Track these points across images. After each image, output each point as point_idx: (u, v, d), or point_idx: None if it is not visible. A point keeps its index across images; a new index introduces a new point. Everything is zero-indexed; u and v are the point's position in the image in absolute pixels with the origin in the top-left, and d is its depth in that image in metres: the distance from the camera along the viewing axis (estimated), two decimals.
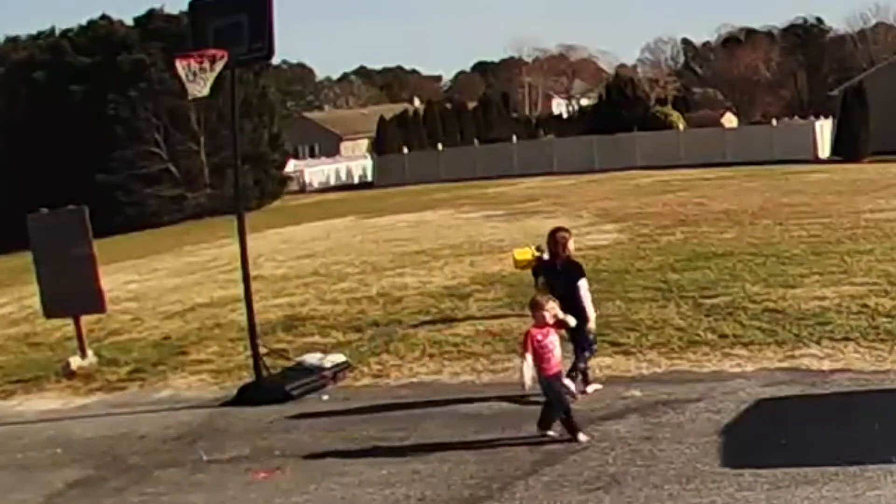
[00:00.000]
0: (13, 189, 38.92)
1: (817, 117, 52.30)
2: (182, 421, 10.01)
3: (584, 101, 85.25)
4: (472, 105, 68.64)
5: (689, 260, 15.19)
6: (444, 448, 8.15)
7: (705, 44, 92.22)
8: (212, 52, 10.29)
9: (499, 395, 9.36)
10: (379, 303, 14.56)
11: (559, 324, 8.19)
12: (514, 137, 55.01)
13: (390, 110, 69.01)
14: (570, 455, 7.63)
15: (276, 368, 10.94)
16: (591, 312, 9.15)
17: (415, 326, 12.65)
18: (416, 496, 7.25)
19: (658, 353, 10.30)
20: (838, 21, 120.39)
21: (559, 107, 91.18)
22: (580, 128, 60.10)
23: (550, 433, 8.02)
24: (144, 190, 43.53)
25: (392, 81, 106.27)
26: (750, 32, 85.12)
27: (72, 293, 12.82)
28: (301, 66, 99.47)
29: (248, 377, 10.94)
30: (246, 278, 10.92)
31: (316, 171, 61.32)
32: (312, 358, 11.16)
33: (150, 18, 46.17)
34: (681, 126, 53.24)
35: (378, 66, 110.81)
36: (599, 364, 9.74)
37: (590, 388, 9.26)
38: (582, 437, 7.88)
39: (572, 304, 8.76)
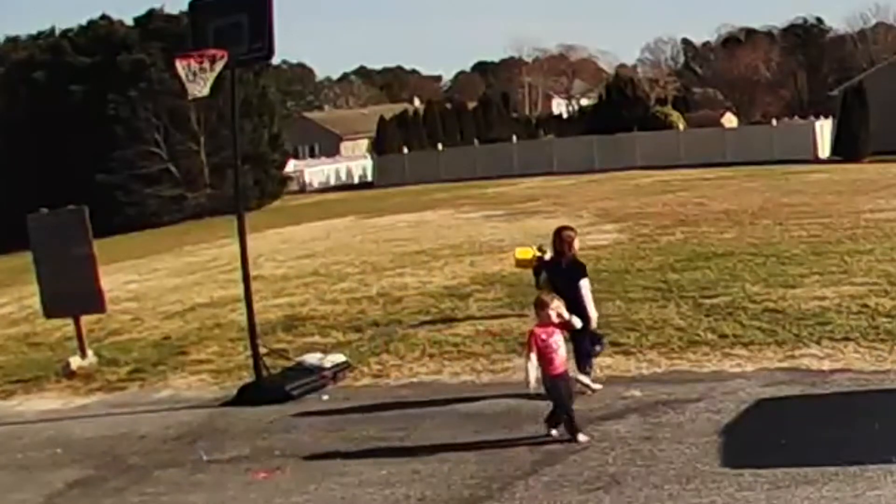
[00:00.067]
0: (13, 189, 38.93)
1: (817, 117, 52.33)
2: (182, 421, 10.00)
3: (584, 101, 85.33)
4: (472, 105, 68.69)
5: (689, 260, 15.19)
6: (444, 448, 8.14)
7: (705, 44, 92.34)
8: (212, 52, 10.28)
9: (503, 393, 9.35)
10: (379, 303, 14.56)
11: (564, 324, 8.17)
12: (514, 137, 55.05)
13: (390, 110, 69.03)
14: (570, 455, 7.62)
15: (276, 368, 10.93)
16: (593, 312, 9.14)
17: (415, 326, 12.64)
18: (416, 496, 7.24)
19: (658, 353, 10.29)
20: (838, 21, 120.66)
21: (559, 107, 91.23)
22: (580, 128, 60.14)
23: (553, 432, 8.01)
24: (144, 190, 43.56)
25: (392, 81, 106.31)
26: (750, 32, 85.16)
27: (72, 293, 12.81)
28: (301, 66, 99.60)
29: (248, 377, 10.93)
30: (246, 278, 10.92)
31: (316, 171, 61.34)
32: (312, 358, 11.15)
33: (150, 18, 46.20)
34: (681, 126, 53.26)
35: (378, 66, 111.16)
36: (599, 364, 9.72)
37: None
38: (582, 437, 7.87)
39: (575, 303, 8.76)
